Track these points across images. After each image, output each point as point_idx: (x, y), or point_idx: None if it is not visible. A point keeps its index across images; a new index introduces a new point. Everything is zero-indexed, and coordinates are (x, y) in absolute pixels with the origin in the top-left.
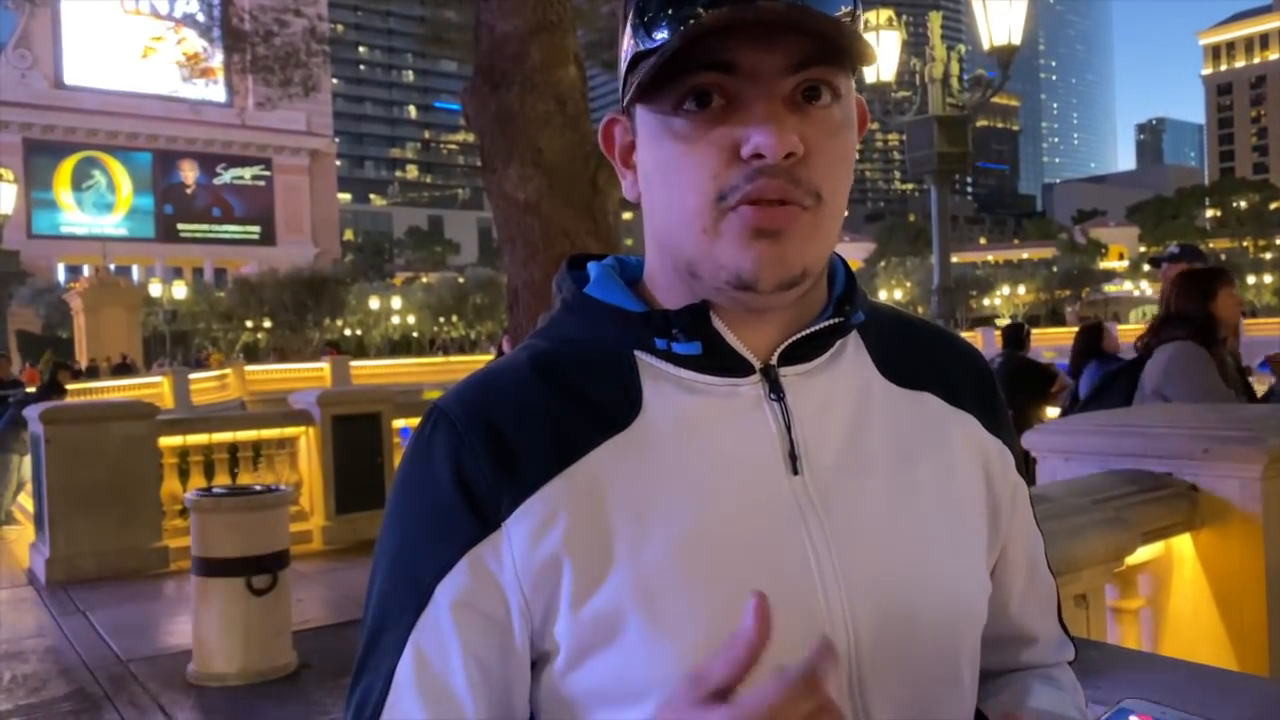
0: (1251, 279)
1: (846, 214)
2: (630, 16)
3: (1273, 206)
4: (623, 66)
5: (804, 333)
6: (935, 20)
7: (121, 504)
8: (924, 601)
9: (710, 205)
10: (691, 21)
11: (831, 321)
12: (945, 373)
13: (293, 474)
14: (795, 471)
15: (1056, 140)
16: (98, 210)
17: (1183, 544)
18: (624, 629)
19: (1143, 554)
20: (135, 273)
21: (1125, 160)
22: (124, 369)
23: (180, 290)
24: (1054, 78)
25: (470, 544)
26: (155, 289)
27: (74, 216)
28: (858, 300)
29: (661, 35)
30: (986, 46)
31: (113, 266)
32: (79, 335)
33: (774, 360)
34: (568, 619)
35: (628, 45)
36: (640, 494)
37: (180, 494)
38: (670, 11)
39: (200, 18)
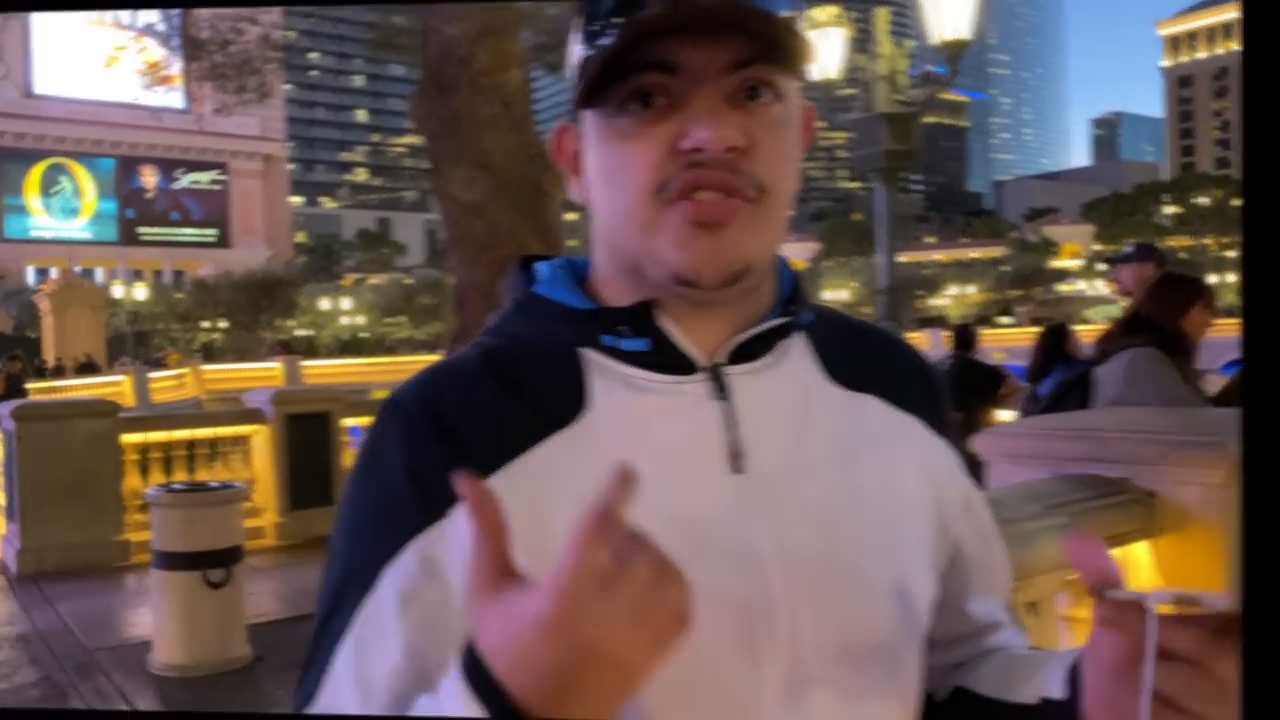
0: (1214, 278)
1: (792, 213)
2: (579, 24)
3: (1235, 203)
4: (571, 74)
5: (751, 332)
6: (882, 16)
7: (86, 499)
8: (864, 601)
9: (650, 199)
10: (637, 23)
11: (778, 321)
12: (890, 376)
13: (247, 471)
14: (738, 471)
15: (1007, 136)
16: (65, 215)
17: (1140, 551)
18: None
19: None
20: (100, 275)
21: (1080, 156)
22: (88, 368)
23: (141, 292)
24: (1005, 73)
25: (418, 532)
26: (118, 290)
27: (43, 221)
28: (804, 300)
29: (607, 40)
30: (935, 41)
31: (79, 269)
32: (47, 335)
33: (720, 358)
34: None
35: (576, 52)
36: (584, 490)
37: (140, 489)
38: (615, 17)
39: (160, 27)
